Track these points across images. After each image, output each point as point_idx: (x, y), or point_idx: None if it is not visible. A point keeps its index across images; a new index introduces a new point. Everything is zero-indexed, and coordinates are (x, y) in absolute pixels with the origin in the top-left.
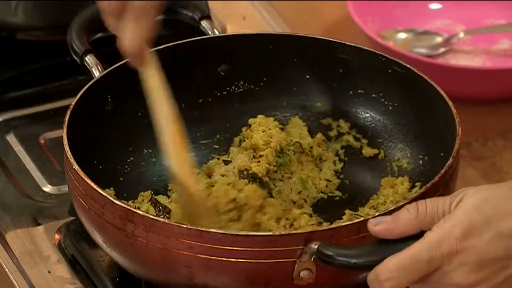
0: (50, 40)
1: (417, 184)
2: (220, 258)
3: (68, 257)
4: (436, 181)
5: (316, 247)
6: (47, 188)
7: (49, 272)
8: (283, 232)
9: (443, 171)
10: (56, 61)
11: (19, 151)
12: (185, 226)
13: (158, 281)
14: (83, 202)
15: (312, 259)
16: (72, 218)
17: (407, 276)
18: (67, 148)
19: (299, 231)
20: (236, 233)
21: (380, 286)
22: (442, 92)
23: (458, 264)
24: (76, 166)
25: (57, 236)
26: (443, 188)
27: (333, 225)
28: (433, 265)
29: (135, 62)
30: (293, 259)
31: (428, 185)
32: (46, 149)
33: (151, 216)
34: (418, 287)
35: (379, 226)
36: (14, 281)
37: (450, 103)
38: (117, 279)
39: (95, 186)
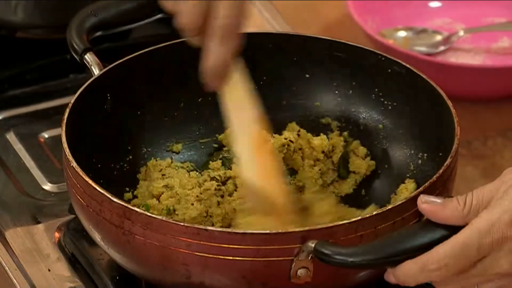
0: (50, 39)
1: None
2: (217, 256)
3: (68, 256)
4: (433, 181)
5: (313, 245)
6: (47, 186)
7: (49, 270)
8: (279, 231)
9: (441, 171)
10: (56, 59)
11: (19, 149)
12: (182, 223)
13: (156, 280)
14: (81, 199)
15: (309, 258)
16: (72, 216)
17: (457, 265)
18: (65, 145)
19: (296, 229)
20: (232, 231)
21: (427, 276)
22: (441, 92)
23: (508, 250)
24: (74, 164)
25: (57, 234)
26: (441, 188)
27: (330, 224)
28: (482, 252)
29: (215, 83)
30: (290, 258)
31: (426, 184)
32: (45, 147)
33: (149, 214)
34: (462, 280)
35: (426, 205)
36: (14, 280)
37: (449, 103)
38: (117, 278)
39: (93, 184)
